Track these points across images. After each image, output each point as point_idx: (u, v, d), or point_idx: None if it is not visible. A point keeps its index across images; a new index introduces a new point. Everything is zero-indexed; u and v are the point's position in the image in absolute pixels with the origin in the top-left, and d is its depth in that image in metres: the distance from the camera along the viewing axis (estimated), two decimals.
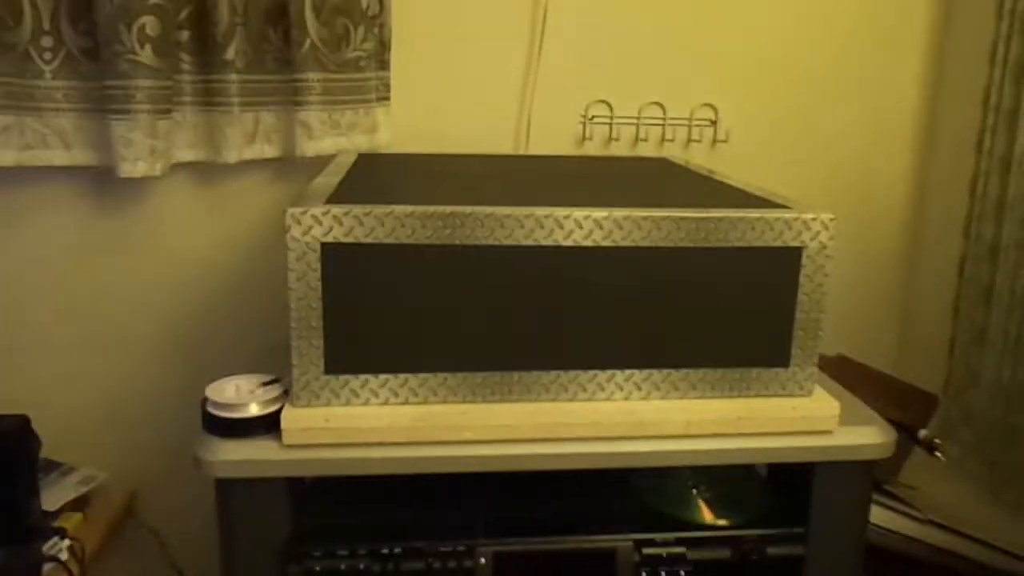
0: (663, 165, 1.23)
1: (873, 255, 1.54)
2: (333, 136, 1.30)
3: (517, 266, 0.82)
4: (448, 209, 0.80)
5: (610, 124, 1.43)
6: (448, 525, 0.88)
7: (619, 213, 0.81)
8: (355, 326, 0.81)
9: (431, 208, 0.79)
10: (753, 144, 1.47)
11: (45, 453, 1.35)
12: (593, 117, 1.43)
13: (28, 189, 1.31)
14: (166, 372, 1.42)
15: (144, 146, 1.20)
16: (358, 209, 0.79)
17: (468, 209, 0.80)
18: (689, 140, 1.46)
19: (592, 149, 1.44)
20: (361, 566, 0.85)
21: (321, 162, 1.31)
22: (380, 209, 0.79)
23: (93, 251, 1.35)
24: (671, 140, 1.45)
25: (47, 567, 1.18)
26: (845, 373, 1.35)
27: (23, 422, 1.21)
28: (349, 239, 0.79)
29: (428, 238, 0.80)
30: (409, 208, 0.79)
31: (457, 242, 0.80)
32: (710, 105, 1.45)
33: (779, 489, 0.98)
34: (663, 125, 1.45)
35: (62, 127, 1.24)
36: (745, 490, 0.98)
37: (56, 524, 1.26)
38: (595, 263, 0.82)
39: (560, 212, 0.81)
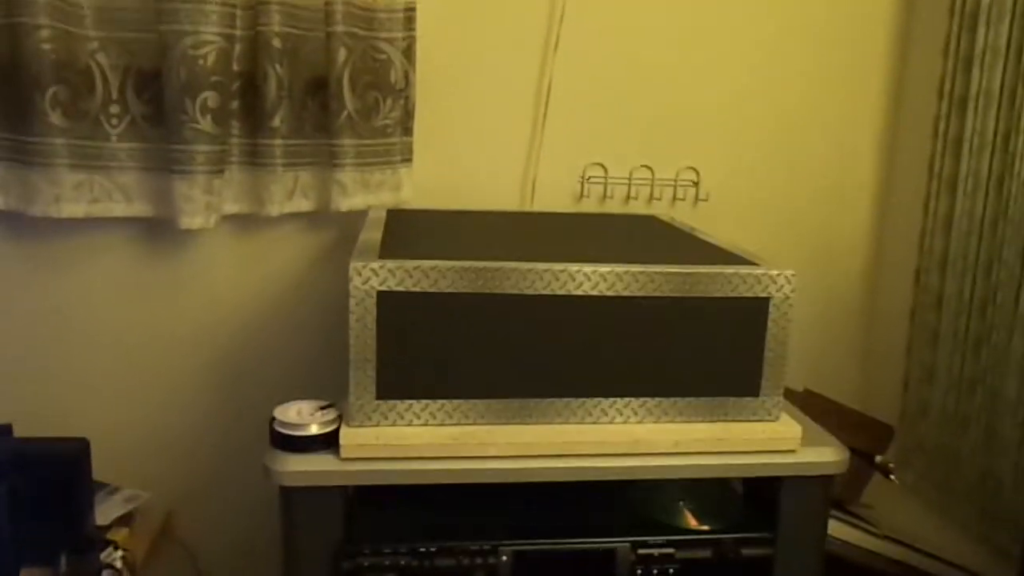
0: (651, 222, 1.42)
1: (838, 301, 1.74)
2: (364, 193, 1.48)
3: (536, 311, 0.99)
4: (481, 264, 0.97)
5: (605, 184, 1.63)
6: (475, 528, 1.04)
7: (619, 268, 1.00)
8: (403, 360, 0.99)
9: (467, 263, 0.97)
10: (731, 203, 1.67)
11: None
12: (590, 177, 1.62)
13: (89, 236, 1.47)
14: (204, 403, 1.58)
15: (201, 202, 1.37)
16: (408, 264, 0.96)
17: (497, 264, 0.98)
18: (675, 198, 1.65)
19: (589, 205, 1.63)
20: (402, 562, 1.01)
21: (350, 216, 1.50)
22: (426, 263, 0.96)
23: (144, 292, 1.51)
24: (659, 199, 1.65)
25: (105, 573, 1.32)
26: (812, 405, 1.53)
27: (84, 445, 1.36)
28: (400, 288, 0.97)
29: (464, 287, 0.98)
30: (449, 263, 0.97)
31: (487, 291, 0.98)
32: (693, 168, 1.65)
33: (752, 501, 1.15)
34: (651, 185, 1.64)
35: (125, 183, 1.41)
36: (723, 502, 1.15)
37: (108, 536, 1.40)
38: (599, 309, 1.00)
39: (572, 267, 0.99)
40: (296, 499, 1.00)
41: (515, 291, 0.99)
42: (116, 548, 1.38)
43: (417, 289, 0.97)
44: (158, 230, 1.49)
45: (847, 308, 1.74)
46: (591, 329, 1.01)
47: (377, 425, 1.00)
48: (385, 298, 0.97)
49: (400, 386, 1.00)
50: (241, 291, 1.55)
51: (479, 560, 1.02)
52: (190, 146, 1.35)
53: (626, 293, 1.00)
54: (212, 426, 1.59)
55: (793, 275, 1.03)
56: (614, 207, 1.64)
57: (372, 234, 1.15)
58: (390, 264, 0.96)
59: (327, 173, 1.47)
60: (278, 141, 1.42)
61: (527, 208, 1.61)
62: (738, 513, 1.13)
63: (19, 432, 1.38)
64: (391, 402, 1.00)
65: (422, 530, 1.04)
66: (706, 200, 1.66)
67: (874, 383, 1.74)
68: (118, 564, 1.36)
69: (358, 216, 1.47)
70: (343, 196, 1.46)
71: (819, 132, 1.68)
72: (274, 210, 1.44)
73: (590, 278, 0.99)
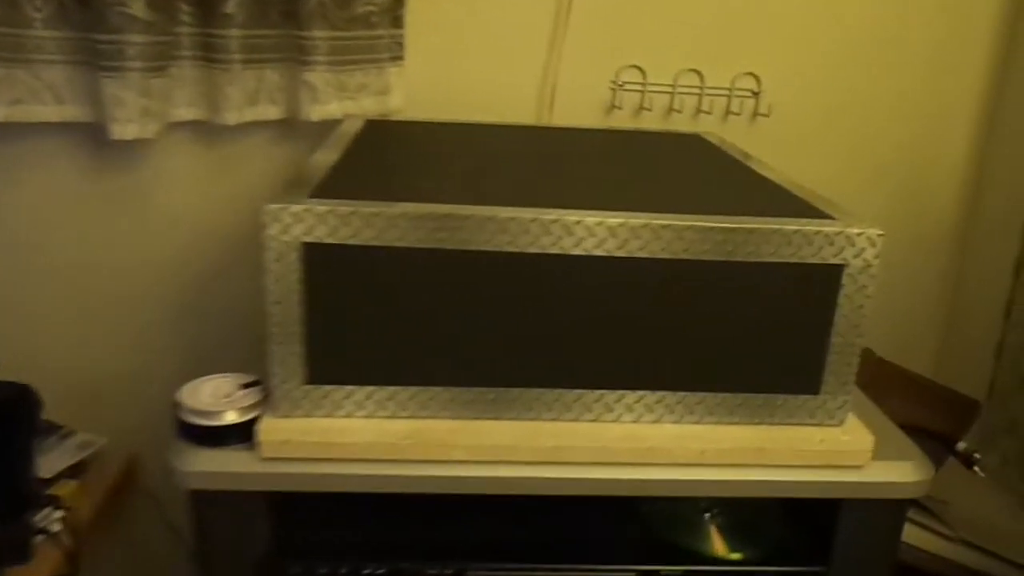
0: (695, 145, 1.12)
1: (920, 248, 1.43)
2: (340, 99, 1.21)
3: (519, 274, 0.73)
4: (443, 210, 0.71)
5: (642, 92, 1.32)
6: (437, 546, 0.82)
7: (636, 220, 0.72)
8: (339, 334, 0.74)
9: (424, 208, 0.71)
10: (797, 120, 1.35)
11: (47, 415, 1.32)
12: (624, 84, 1.32)
13: (20, 145, 1.24)
14: (168, 334, 1.37)
15: (136, 106, 1.12)
16: (343, 207, 0.70)
17: (466, 210, 0.71)
18: (728, 112, 1.34)
19: (621, 119, 1.34)
20: None
21: (329, 125, 1.23)
22: (367, 208, 0.70)
23: (91, 211, 1.28)
24: (708, 112, 1.34)
25: (38, 540, 1.15)
26: (881, 377, 1.25)
27: (20, 391, 1.17)
28: (332, 240, 0.71)
29: (420, 241, 0.71)
30: (399, 208, 0.71)
31: (452, 247, 0.72)
32: (752, 75, 1.33)
33: (799, 519, 0.90)
34: (700, 95, 1.33)
35: (54, 80, 1.16)
36: (761, 518, 0.90)
37: (51, 492, 1.22)
38: (606, 274, 0.74)
39: (570, 217, 0.72)
40: (208, 504, 0.78)
41: (491, 248, 0.72)
42: (57, 507, 1.20)
43: (355, 242, 0.71)
44: (103, 139, 1.24)
45: (931, 259, 1.43)
46: (594, 300, 0.75)
47: (308, 415, 0.77)
48: (313, 253, 0.71)
49: (337, 368, 0.75)
50: (203, 214, 1.31)
51: None
52: (119, 36, 1.08)
53: (642, 254, 0.73)
54: (175, 362, 1.38)
55: (879, 235, 0.74)
56: (652, 121, 1.34)
57: (326, 155, 0.89)
58: (318, 208, 0.70)
59: (296, 72, 1.20)
60: (234, 32, 1.15)
61: (544, 122, 1.32)
62: (779, 535, 0.88)
63: None
64: (325, 388, 0.76)
65: (370, 546, 0.82)
66: (767, 116, 1.34)
67: (958, 349, 1.44)
68: (55, 527, 1.18)
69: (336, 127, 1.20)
70: (314, 102, 1.19)
71: (915, 36, 1.33)
72: (231, 117, 1.18)
73: (594, 233, 0.72)
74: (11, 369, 1.30)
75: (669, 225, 0.72)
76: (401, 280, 0.73)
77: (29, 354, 1.34)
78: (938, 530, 1.17)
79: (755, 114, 1.34)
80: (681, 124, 1.34)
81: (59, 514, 1.19)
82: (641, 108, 1.33)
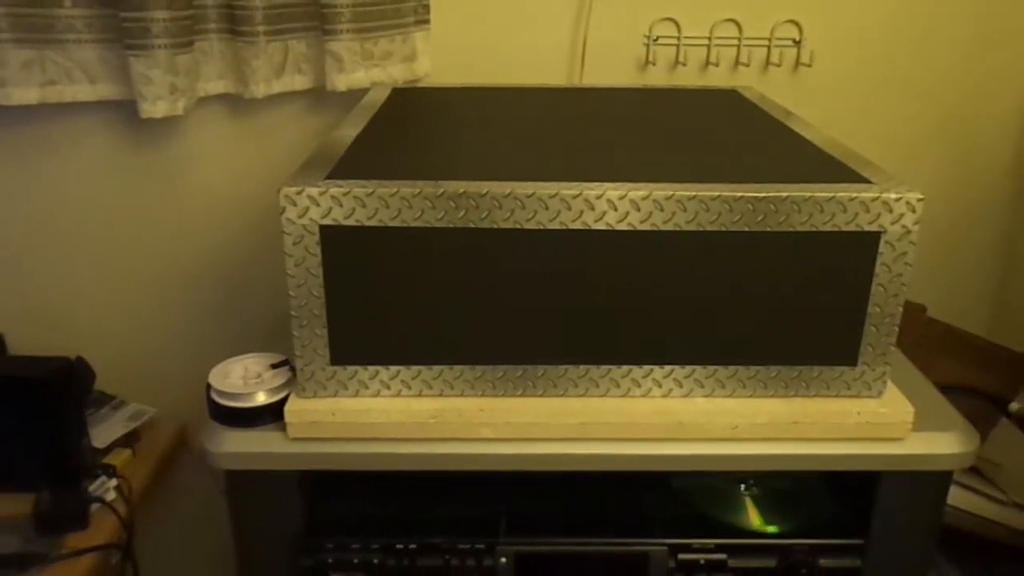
0: (731, 102, 1.08)
1: (975, 206, 1.36)
2: (366, 68, 1.19)
3: (542, 250, 0.72)
4: (461, 188, 0.69)
5: (677, 46, 1.28)
6: (468, 522, 0.82)
7: (660, 192, 0.70)
8: (362, 314, 0.74)
9: (441, 187, 0.69)
10: (842, 69, 1.29)
11: (99, 386, 1.36)
12: (658, 38, 1.27)
13: (59, 124, 1.25)
14: (210, 306, 1.39)
15: (164, 84, 1.12)
16: (359, 189, 0.69)
17: (484, 188, 0.69)
18: (768, 63, 1.29)
19: (655, 75, 1.29)
20: (375, 560, 0.80)
21: (361, 93, 1.21)
22: (384, 188, 0.69)
23: (129, 187, 1.30)
24: (746, 64, 1.29)
25: (93, 508, 1.19)
26: (929, 336, 1.21)
27: (67, 364, 1.20)
28: (351, 222, 0.70)
29: (439, 220, 0.70)
30: (416, 187, 0.69)
31: (471, 225, 0.70)
32: (794, 22, 1.27)
33: (837, 491, 0.88)
34: (738, 46, 1.28)
35: (86, 59, 1.17)
36: (799, 490, 0.88)
37: (106, 461, 1.27)
38: (632, 248, 0.72)
39: (591, 191, 0.70)
40: (242, 483, 0.79)
41: (511, 225, 0.71)
42: (111, 476, 1.24)
43: (374, 223, 0.70)
44: (136, 115, 1.25)
45: (986, 217, 1.37)
46: (619, 274, 0.73)
47: (335, 396, 0.77)
48: (332, 235, 0.71)
49: (361, 348, 0.75)
50: (237, 184, 1.31)
51: (471, 561, 0.80)
52: (143, 13, 1.08)
53: (668, 227, 0.71)
54: (218, 331, 1.41)
55: (919, 200, 0.70)
56: (688, 77, 1.29)
57: (344, 132, 0.88)
58: (335, 190, 0.69)
59: (322, 42, 1.18)
60: (257, 3, 1.14)
61: (575, 81, 1.28)
62: (817, 508, 0.86)
63: (12, 344, 1.25)
64: (351, 368, 0.76)
65: (402, 522, 0.82)
66: (809, 65, 1.28)
67: (1013, 305, 1.38)
68: (110, 496, 1.22)
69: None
70: (339, 71, 1.17)
71: None
72: (259, 90, 1.18)
73: (616, 207, 0.70)
74: (62, 343, 1.34)
75: (696, 196, 0.70)
76: (423, 259, 0.72)
77: (79, 328, 1.38)
78: (990, 493, 1.14)
79: (797, 64, 1.29)
80: (718, 79, 1.29)
81: (113, 482, 1.23)
82: (676, 63, 1.29)
